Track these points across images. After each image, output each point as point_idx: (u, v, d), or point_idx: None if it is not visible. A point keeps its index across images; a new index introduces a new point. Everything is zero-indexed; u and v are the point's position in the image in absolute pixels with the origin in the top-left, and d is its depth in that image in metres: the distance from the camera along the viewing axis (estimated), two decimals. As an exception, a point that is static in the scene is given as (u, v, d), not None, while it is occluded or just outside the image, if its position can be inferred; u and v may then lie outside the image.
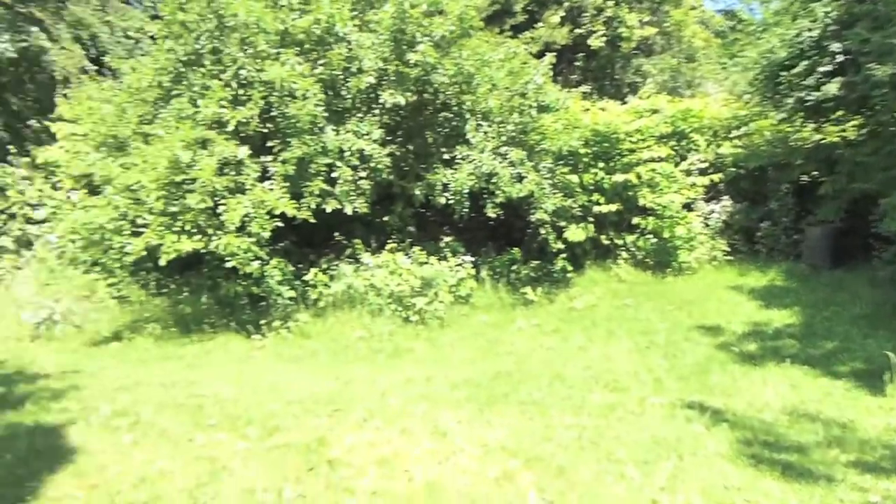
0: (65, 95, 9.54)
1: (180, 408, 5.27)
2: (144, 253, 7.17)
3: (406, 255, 8.47)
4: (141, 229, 7.24)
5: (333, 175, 7.90)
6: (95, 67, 10.35)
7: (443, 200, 8.48)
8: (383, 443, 4.39)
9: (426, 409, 5.03)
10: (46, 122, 9.49)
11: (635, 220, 10.05)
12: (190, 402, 5.42)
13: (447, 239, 9.04)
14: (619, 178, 9.86)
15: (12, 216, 9.98)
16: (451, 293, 8.32)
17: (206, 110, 7.33)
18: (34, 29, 10.13)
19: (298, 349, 7.35)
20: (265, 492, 3.70)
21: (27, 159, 9.97)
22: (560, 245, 9.07)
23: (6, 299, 9.20)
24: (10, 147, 10.24)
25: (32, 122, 10.57)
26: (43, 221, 9.58)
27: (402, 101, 8.12)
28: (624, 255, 10.21)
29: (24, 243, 9.90)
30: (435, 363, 6.74)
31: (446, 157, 8.76)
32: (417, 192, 8.55)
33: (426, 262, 8.40)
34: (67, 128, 8.65)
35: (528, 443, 4.38)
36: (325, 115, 7.80)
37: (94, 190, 8.22)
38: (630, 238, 10.16)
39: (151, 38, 9.73)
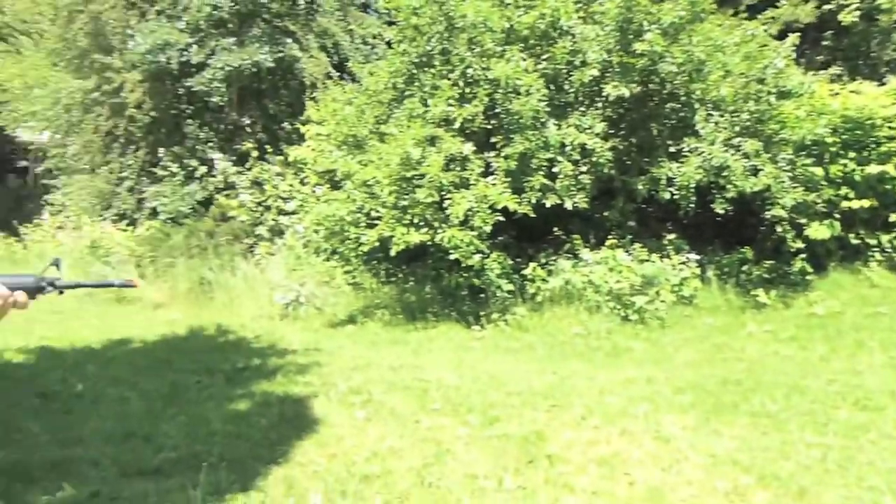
0: (313, 99, 10.52)
1: (407, 390, 5.58)
2: (377, 244, 7.70)
3: (626, 251, 8.21)
4: (375, 222, 7.79)
5: (554, 170, 7.88)
6: (338, 73, 11.30)
7: (667, 195, 8.09)
8: (602, 442, 4.30)
9: (647, 411, 4.84)
10: (297, 124, 10.57)
11: (893, 218, 8.82)
12: (415, 385, 5.72)
13: (670, 236, 8.62)
14: (873, 169, 8.70)
15: (268, 208, 11.25)
16: (674, 293, 7.94)
17: (435, 109, 7.68)
18: (288, 41, 11.30)
19: (515, 342, 7.46)
20: (486, 479, 3.79)
21: (281, 157, 11.19)
22: (799, 244, 8.24)
23: (261, 281, 10.39)
24: (268, 147, 11.55)
25: (285, 125, 11.83)
26: (292, 213, 10.68)
27: (627, 93, 7.87)
28: (877, 256, 9.01)
29: (277, 232, 11.12)
30: (656, 365, 6.47)
31: (672, 150, 8.34)
32: (640, 186, 8.24)
33: (647, 260, 8.08)
34: (314, 128, 9.56)
35: (762, 459, 4.03)
36: (548, 109, 7.80)
37: (335, 185, 8.99)
38: (885, 237, 8.93)
39: (387, 43, 10.41)
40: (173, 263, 10.91)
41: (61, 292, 1.77)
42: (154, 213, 12.14)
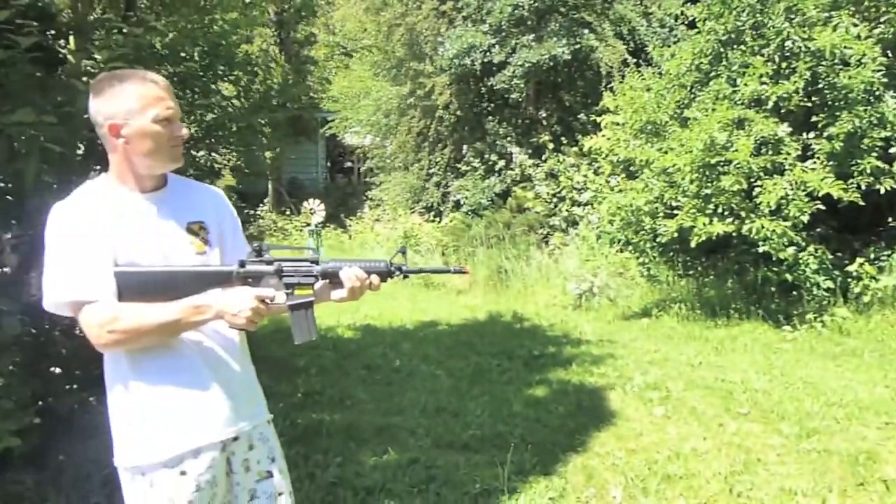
0: (609, 88, 10.39)
1: (708, 390, 5.25)
2: (675, 234, 7.34)
3: None
4: (674, 212, 7.44)
5: (891, 150, 6.77)
6: (634, 60, 11.00)
7: None
8: (958, 473, 3.60)
9: None
10: (592, 115, 10.53)
11: None
12: (718, 385, 5.36)
13: None
14: None
15: (562, 199, 11.42)
16: None
17: (745, 89, 7.07)
18: (585, 31, 11.31)
19: (835, 346, 6.58)
20: (805, 496, 3.40)
21: (575, 149, 11.26)
22: None
23: (555, 271, 10.58)
24: (563, 139, 11.72)
25: (580, 116, 11.86)
26: (586, 204, 10.70)
27: None
28: None
29: (571, 223, 11.24)
30: None
31: None
32: None
33: None
34: (609, 118, 9.43)
35: None
36: (884, 81, 6.72)
37: (631, 174, 8.78)
38: None
39: (688, 23, 9.84)
40: (474, 252, 11.62)
41: (406, 277, 1.95)
42: (457, 206, 13.05)
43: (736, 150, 6.86)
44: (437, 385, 5.42)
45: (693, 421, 4.57)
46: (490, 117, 12.96)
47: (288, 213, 16.62)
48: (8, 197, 2.94)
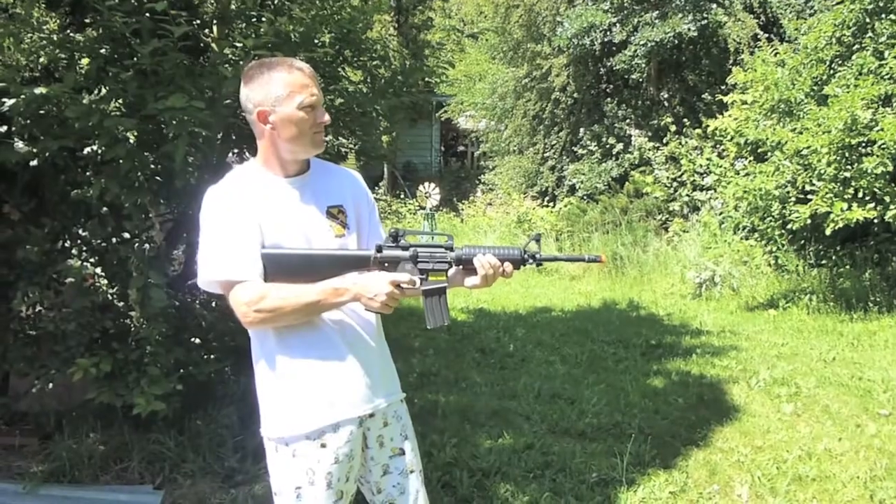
0: (737, 64, 9.87)
1: (844, 388, 4.93)
2: (807, 221, 6.89)
3: None
4: (807, 197, 6.98)
5: None
6: (766, 34, 10.35)
7: None
8: None
9: None
10: (718, 94, 10.02)
11: None
12: (854, 383, 5.02)
13: None
14: None
15: (682, 183, 10.98)
16: None
17: (894, 62, 6.50)
18: (713, 6, 10.74)
19: None
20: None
21: (698, 130, 10.77)
22: None
23: (673, 258, 10.22)
24: (685, 120, 11.23)
25: (705, 96, 11.32)
26: (709, 188, 10.23)
27: None
28: None
29: (692, 208, 10.79)
30: None
31: None
32: None
33: None
34: (737, 96, 8.94)
35: None
36: None
37: (759, 157, 8.30)
38: None
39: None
40: (588, 238, 11.40)
41: (539, 265, 1.95)
42: (572, 190, 12.83)
43: (881, 130, 6.33)
44: (551, 371, 5.38)
45: (826, 420, 4.30)
46: (608, 99, 12.62)
47: (402, 196, 16.95)
48: (157, 178, 3.16)
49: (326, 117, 1.85)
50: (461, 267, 1.91)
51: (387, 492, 1.98)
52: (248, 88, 1.82)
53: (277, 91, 1.78)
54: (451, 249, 1.90)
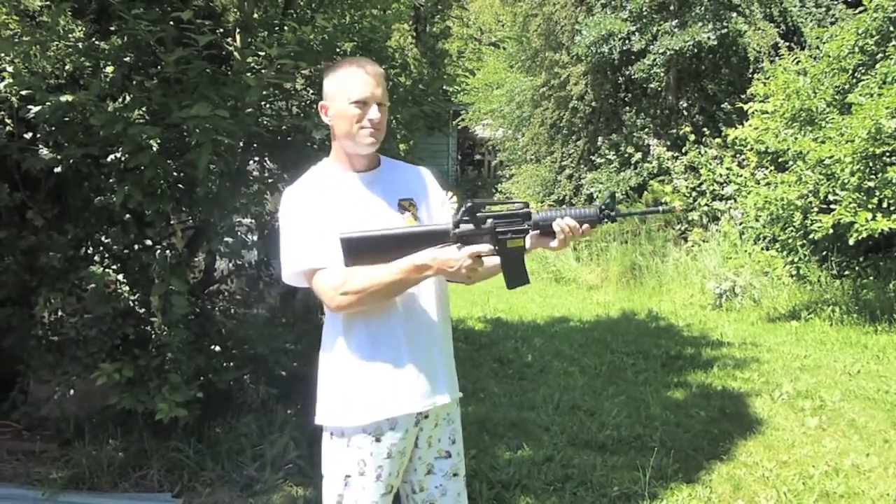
0: (758, 71, 9.78)
1: (870, 401, 4.85)
2: (829, 232, 6.80)
3: None
4: (829, 206, 6.89)
5: None
6: (786, 43, 10.25)
7: None
8: None
9: None
10: (738, 103, 9.93)
11: None
12: (881, 397, 4.94)
13: None
14: None
15: (702, 193, 10.85)
16: None
17: (919, 72, 6.43)
18: (733, 15, 10.65)
19: None
20: None
21: (718, 140, 10.67)
22: None
23: (692, 268, 10.10)
24: (704, 129, 11.13)
25: (725, 105, 11.21)
26: (729, 198, 10.12)
27: None
28: None
29: (711, 218, 10.67)
30: None
31: None
32: None
33: None
34: (757, 105, 8.85)
35: None
36: None
37: (780, 166, 8.21)
38: None
39: (845, 2, 9.07)
40: (607, 248, 11.32)
41: (614, 221, 1.94)
42: (590, 199, 12.74)
43: (905, 140, 6.25)
44: (570, 382, 5.33)
45: (853, 434, 4.22)
46: (627, 108, 12.54)
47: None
48: (179, 185, 3.17)
49: (376, 115, 1.87)
50: (538, 232, 1.92)
51: (428, 491, 2.01)
52: (324, 84, 1.94)
53: (336, 87, 1.89)
54: (529, 217, 1.90)
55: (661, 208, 2.09)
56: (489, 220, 1.87)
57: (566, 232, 1.88)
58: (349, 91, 1.86)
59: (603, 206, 1.92)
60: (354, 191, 1.93)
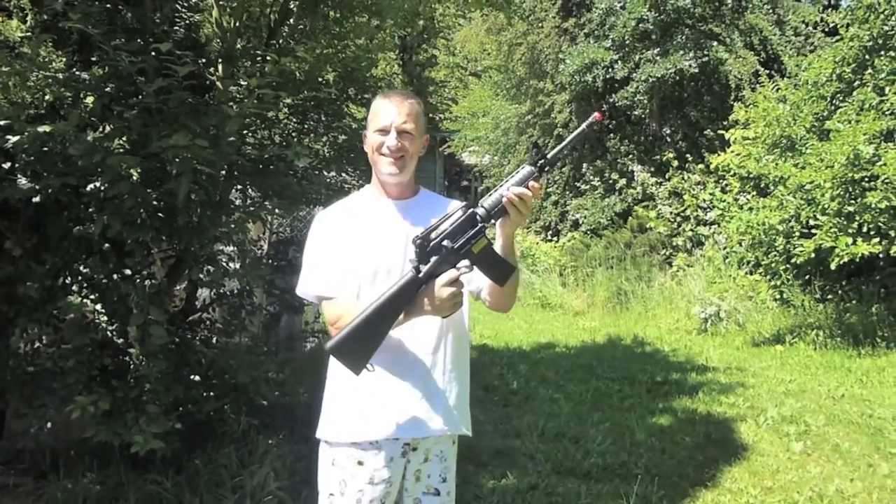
0: (739, 99, 9.93)
1: (854, 426, 4.85)
2: (811, 256, 6.86)
3: None
4: (810, 231, 6.96)
5: None
6: (766, 71, 10.44)
7: None
8: None
9: None
10: (720, 130, 10.06)
11: None
12: (864, 421, 4.94)
13: None
14: None
15: (686, 218, 10.94)
16: None
17: (894, 98, 6.54)
18: (713, 43, 10.85)
19: None
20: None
21: (701, 166, 10.79)
22: None
23: (678, 293, 10.15)
24: (687, 155, 11.26)
25: (707, 131, 11.36)
26: (712, 223, 10.20)
27: None
28: None
29: (696, 243, 10.75)
30: None
31: None
32: None
33: None
34: (738, 132, 8.97)
35: None
36: None
37: (762, 192, 8.30)
38: None
39: (826, 31, 9.26)
40: (592, 273, 11.35)
41: (553, 165, 1.95)
42: (575, 225, 12.82)
43: (884, 164, 6.35)
44: (555, 409, 5.30)
45: (837, 459, 4.22)
46: (611, 135, 12.69)
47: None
48: (159, 214, 3.16)
49: (393, 143, 1.91)
50: (497, 220, 1.89)
51: None
52: None
53: (369, 118, 2.02)
54: (474, 216, 1.86)
55: (584, 126, 1.99)
56: (443, 245, 1.83)
57: (516, 202, 1.82)
58: (375, 120, 1.96)
59: (534, 156, 1.89)
60: (386, 216, 1.99)
